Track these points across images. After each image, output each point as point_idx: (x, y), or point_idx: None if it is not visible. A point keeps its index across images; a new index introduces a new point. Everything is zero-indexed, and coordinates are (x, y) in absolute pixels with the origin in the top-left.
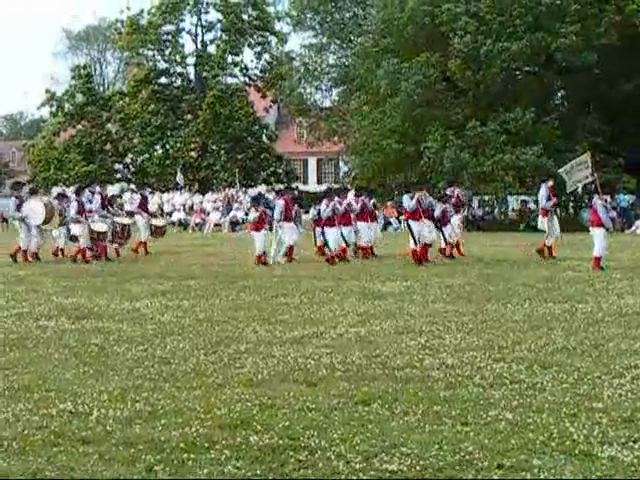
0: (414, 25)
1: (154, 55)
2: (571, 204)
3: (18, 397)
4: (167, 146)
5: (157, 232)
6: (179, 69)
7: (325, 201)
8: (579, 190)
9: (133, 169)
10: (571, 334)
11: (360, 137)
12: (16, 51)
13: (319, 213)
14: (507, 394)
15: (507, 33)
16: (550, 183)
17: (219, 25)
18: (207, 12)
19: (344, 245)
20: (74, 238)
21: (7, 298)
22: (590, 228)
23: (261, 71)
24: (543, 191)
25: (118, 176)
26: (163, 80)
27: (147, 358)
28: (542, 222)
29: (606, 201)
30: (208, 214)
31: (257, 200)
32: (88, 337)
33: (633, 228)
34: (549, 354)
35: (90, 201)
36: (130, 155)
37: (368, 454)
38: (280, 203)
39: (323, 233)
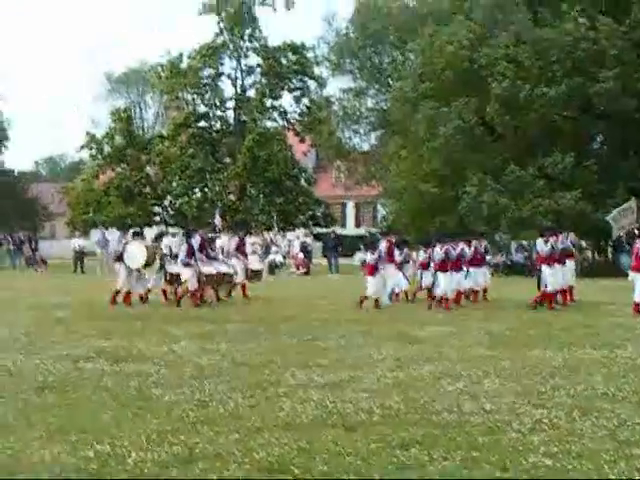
0: (453, 70)
1: (194, 99)
2: (610, 249)
3: (56, 439)
4: (206, 189)
5: (253, 276)
6: (218, 112)
7: (439, 245)
8: (622, 235)
9: (172, 212)
10: (611, 380)
11: (398, 181)
12: (58, 93)
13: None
14: (546, 440)
15: (546, 78)
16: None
17: (258, 69)
18: (247, 56)
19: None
20: (172, 279)
21: (46, 340)
22: (630, 273)
23: (300, 115)
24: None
25: (157, 219)
26: (202, 123)
27: (185, 401)
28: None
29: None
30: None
31: (373, 245)
32: (126, 380)
33: None
34: (588, 400)
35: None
36: (169, 198)
37: None
38: (383, 245)
39: (436, 277)
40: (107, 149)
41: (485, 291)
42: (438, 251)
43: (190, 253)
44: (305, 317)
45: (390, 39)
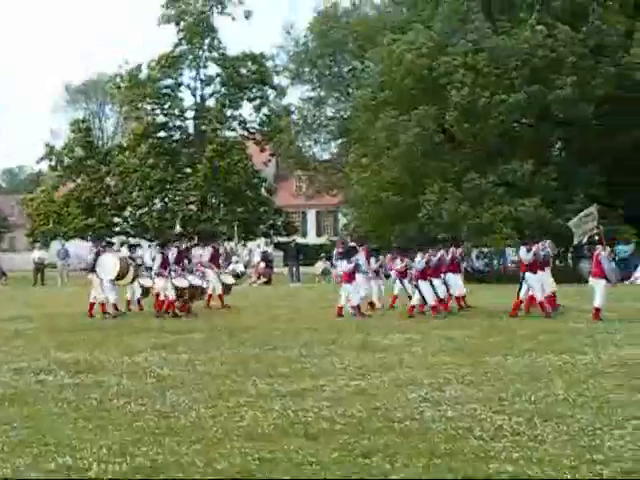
0: (412, 78)
1: (153, 109)
2: (569, 255)
3: (17, 452)
4: (166, 199)
5: (226, 291)
6: (178, 123)
7: (420, 254)
8: (583, 241)
9: (132, 222)
10: (571, 386)
11: (359, 189)
12: (16, 105)
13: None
14: (508, 446)
15: (504, 86)
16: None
17: (218, 79)
18: (206, 66)
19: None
20: (145, 291)
21: (5, 352)
22: (590, 279)
23: (260, 124)
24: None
25: (117, 229)
26: (162, 134)
27: (146, 412)
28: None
29: (610, 253)
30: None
31: (350, 254)
32: (87, 391)
33: (632, 279)
34: (549, 406)
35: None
36: (129, 208)
37: None
38: (362, 254)
39: (417, 286)
40: (67, 160)
41: (464, 297)
42: (419, 259)
43: (164, 265)
44: (267, 326)
45: (349, 48)
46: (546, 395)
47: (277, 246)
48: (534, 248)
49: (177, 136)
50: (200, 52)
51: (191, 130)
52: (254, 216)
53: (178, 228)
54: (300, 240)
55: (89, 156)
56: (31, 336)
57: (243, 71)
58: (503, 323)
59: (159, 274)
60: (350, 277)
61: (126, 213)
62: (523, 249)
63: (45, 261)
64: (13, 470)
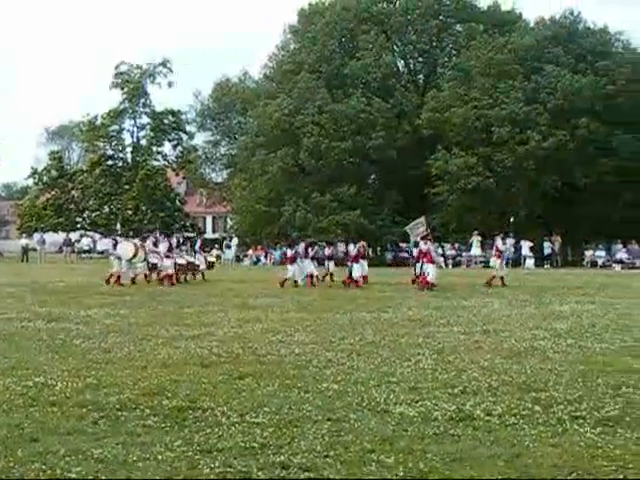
0: (278, 129)
1: (104, 145)
2: (378, 248)
3: (7, 374)
4: (112, 206)
5: (183, 269)
6: (120, 155)
7: (352, 244)
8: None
9: (89, 221)
10: (377, 332)
11: (240, 202)
12: (11, 139)
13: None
14: (334, 372)
15: (338, 136)
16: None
17: (148, 126)
18: (141, 117)
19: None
20: (154, 267)
21: (1, 307)
22: (425, 264)
23: (176, 157)
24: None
25: (78, 226)
26: (110, 162)
27: (95, 348)
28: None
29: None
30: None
31: (293, 245)
32: (55, 334)
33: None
34: (362, 346)
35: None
36: (87, 212)
37: (242, 412)
38: (302, 245)
39: (351, 267)
40: (45, 179)
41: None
42: (352, 248)
43: (170, 249)
44: (178, 294)
45: (237, 108)
46: (360, 339)
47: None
48: (359, 245)
49: (120, 164)
50: (137, 108)
51: (129, 160)
52: (171, 219)
53: (119, 226)
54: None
55: (60, 176)
56: (19, 296)
57: (165, 121)
58: (334, 292)
59: (167, 256)
60: (292, 259)
61: (84, 215)
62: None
63: (29, 246)
64: (4, 385)
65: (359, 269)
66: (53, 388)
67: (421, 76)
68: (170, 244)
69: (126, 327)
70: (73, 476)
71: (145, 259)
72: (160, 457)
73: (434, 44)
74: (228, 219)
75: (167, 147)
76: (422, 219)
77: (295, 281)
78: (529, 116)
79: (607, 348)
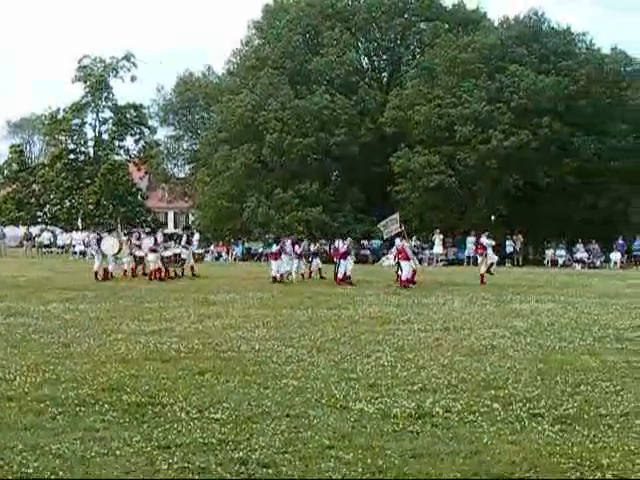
0: (240, 124)
1: (66, 139)
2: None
3: None
4: (73, 201)
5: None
6: (82, 149)
7: (340, 241)
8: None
9: (49, 216)
10: (337, 329)
11: (202, 198)
12: None
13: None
14: (294, 369)
15: (301, 132)
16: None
17: (110, 120)
18: (103, 111)
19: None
20: (140, 261)
21: None
22: (401, 261)
23: (138, 152)
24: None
25: (39, 220)
26: (71, 156)
27: (54, 343)
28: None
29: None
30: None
31: (278, 240)
32: (14, 329)
33: (380, 262)
34: (323, 342)
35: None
36: (48, 206)
37: (201, 407)
38: (288, 242)
39: (338, 264)
40: (6, 172)
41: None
42: (341, 244)
43: (155, 243)
44: (137, 287)
45: (200, 103)
46: (321, 335)
47: (148, 234)
48: (347, 242)
49: (82, 158)
50: (99, 102)
51: (91, 154)
52: (133, 214)
53: (80, 221)
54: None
55: (21, 169)
56: None
57: (128, 116)
58: (295, 288)
59: (152, 250)
60: (277, 255)
61: (45, 209)
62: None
63: None
64: None
65: (344, 266)
66: (11, 383)
67: (385, 74)
68: (155, 239)
69: (86, 322)
70: (30, 471)
71: (131, 253)
72: (118, 453)
73: (398, 42)
74: (190, 214)
75: (129, 141)
76: (396, 216)
77: (279, 276)
78: (492, 115)
79: (566, 347)
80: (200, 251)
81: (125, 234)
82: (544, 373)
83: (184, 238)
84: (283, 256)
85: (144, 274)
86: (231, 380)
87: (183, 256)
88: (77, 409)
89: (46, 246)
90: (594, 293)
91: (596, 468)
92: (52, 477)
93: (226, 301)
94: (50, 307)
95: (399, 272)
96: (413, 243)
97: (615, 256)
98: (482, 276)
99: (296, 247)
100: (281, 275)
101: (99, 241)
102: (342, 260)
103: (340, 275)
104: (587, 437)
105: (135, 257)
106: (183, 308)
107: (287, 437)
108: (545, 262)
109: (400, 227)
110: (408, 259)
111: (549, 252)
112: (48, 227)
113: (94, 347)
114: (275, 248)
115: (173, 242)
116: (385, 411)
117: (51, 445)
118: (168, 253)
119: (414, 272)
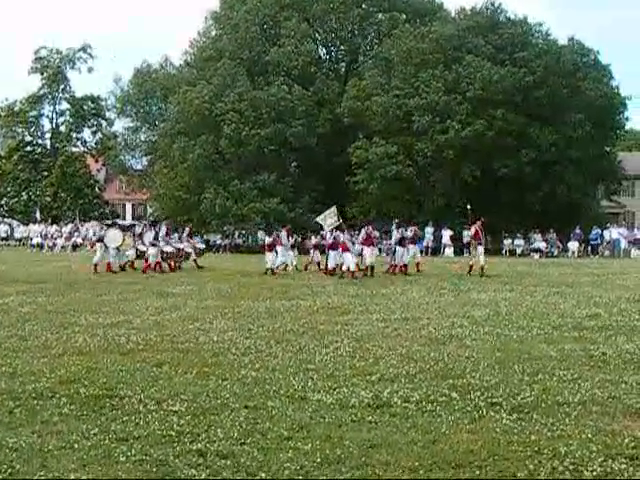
0: (198, 116)
1: (23, 131)
2: (299, 237)
3: None
4: (30, 193)
5: (171, 256)
6: (39, 141)
7: (329, 233)
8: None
9: (6, 208)
10: (296, 321)
11: (160, 189)
12: None
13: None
14: (253, 360)
15: (259, 123)
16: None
17: (68, 112)
18: (60, 103)
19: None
20: (142, 255)
21: None
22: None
23: (95, 144)
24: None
25: None
26: (28, 148)
27: (11, 336)
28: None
29: (351, 235)
30: (56, 239)
31: (270, 230)
32: None
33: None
34: (281, 334)
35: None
36: (5, 199)
37: (159, 399)
38: (284, 233)
39: (327, 255)
40: None
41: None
42: (329, 236)
43: (156, 237)
44: (95, 280)
45: (157, 94)
46: (279, 327)
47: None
48: (402, 231)
49: (39, 150)
50: (56, 94)
51: (48, 146)
52: (90, 206)
53: (38, 213)
54: (121, 222)
55: None
56: None
57: (85, 107)
58: (253, 280)
59: (153, 244)
60: (271, 247)
61: (2, 202)
62: (395, 230)
63: None
64: None
65: (334, 257)
66: None
67: (343, 64)
68: (156, 233)
69: (43, 315)
70: None
71: (134, 246)
72: (76, 446)
73: (356, 32)
74: (148, 206)
75: (87, 133)
76: (333, 209)
77: (272, 269)
78: (449, 106)
79: (524, 335)
80: (202, 246)
81: (128, 227)
82: (502, 362)
83: (186, 231)
84: (278, 247)
85: (152, 268)
86: (189, 372)
87: (188, 250)
88: (34, 402)
89: (3, 239)
90: (552, 282)
91: (554, 456)
92: (9, 470)
93: (184, 293)
94: (7, 300)
95: (392, 262)
96: (377, 234)
97: (573, 245)
98: (471, 267)
99: (290, 238)
100: (277, 267)
101: (103, 234)
102: (331, 251)
103: (330, 267)
104: (545, 425)
105: (137, 251)
106: (141, 300)
107: (246, 428)
108: (503, 252)
109: (338, 220)
110: (349, 250)
111: (507, 242)
112: (5, 220)
113: (51, 340)
114: (268, 240)
115: (177, 235)
116: (343, 401)
117: (8, 439)
118: (169, 249)
119: (417, 263)
